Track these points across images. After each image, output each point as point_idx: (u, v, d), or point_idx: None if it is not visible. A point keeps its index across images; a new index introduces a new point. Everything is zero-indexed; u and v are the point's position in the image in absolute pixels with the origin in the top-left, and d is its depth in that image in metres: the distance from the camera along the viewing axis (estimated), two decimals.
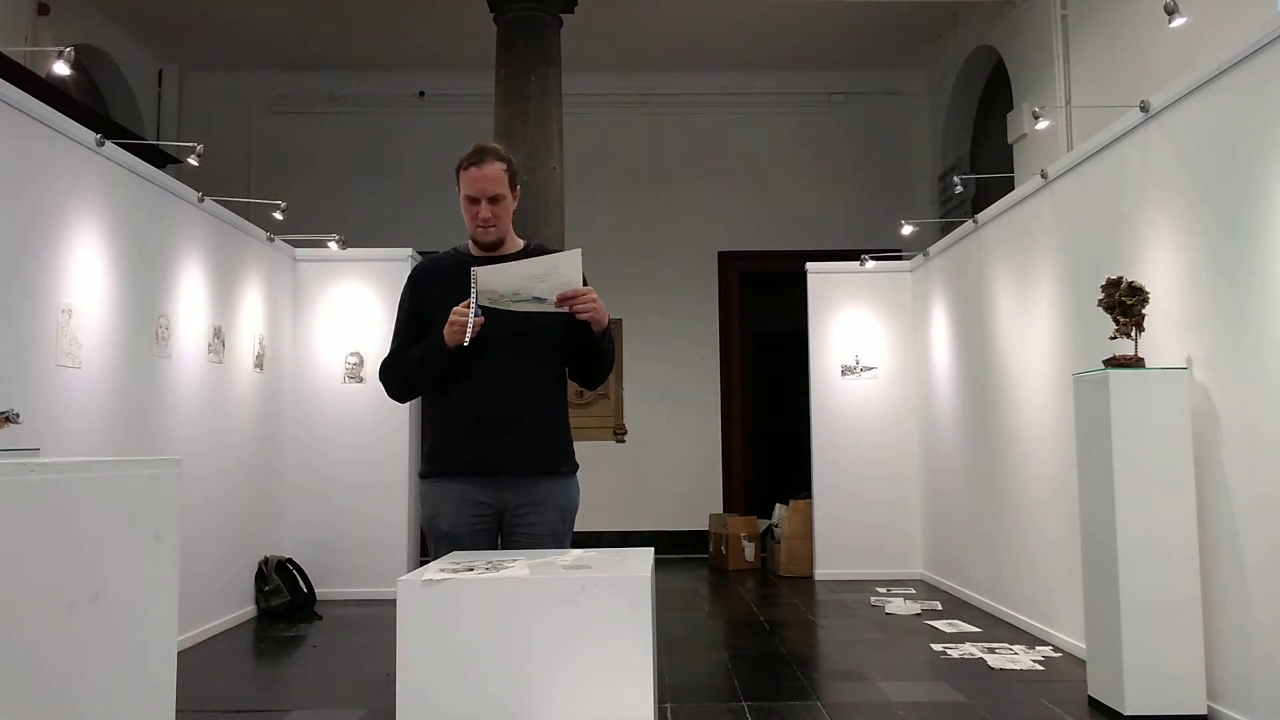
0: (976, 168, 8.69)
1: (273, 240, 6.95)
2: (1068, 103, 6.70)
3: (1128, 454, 4.04)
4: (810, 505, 8.00)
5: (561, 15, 7.03)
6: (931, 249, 7.63)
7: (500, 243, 2.85)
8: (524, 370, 2.76)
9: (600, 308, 2.66)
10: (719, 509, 9.26)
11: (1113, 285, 4.24)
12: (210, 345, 6.01)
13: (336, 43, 8.77)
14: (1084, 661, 4.47)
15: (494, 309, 2.64)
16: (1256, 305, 3.69)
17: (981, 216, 6.58)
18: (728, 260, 9.60)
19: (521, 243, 2.91)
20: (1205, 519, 4.00)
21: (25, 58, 6.41)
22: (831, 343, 8.08)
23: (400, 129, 9.43)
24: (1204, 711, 3.92)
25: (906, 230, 7.73)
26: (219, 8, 8.11)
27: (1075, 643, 5.00)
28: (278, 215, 6.89)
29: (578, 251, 2.66)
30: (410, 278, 2.98)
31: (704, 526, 9.07)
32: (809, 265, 8.18)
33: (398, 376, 2.85)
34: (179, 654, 2.06)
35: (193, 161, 5.76)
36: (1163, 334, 4.28)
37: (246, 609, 6.41)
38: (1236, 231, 3.82)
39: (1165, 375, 4.10)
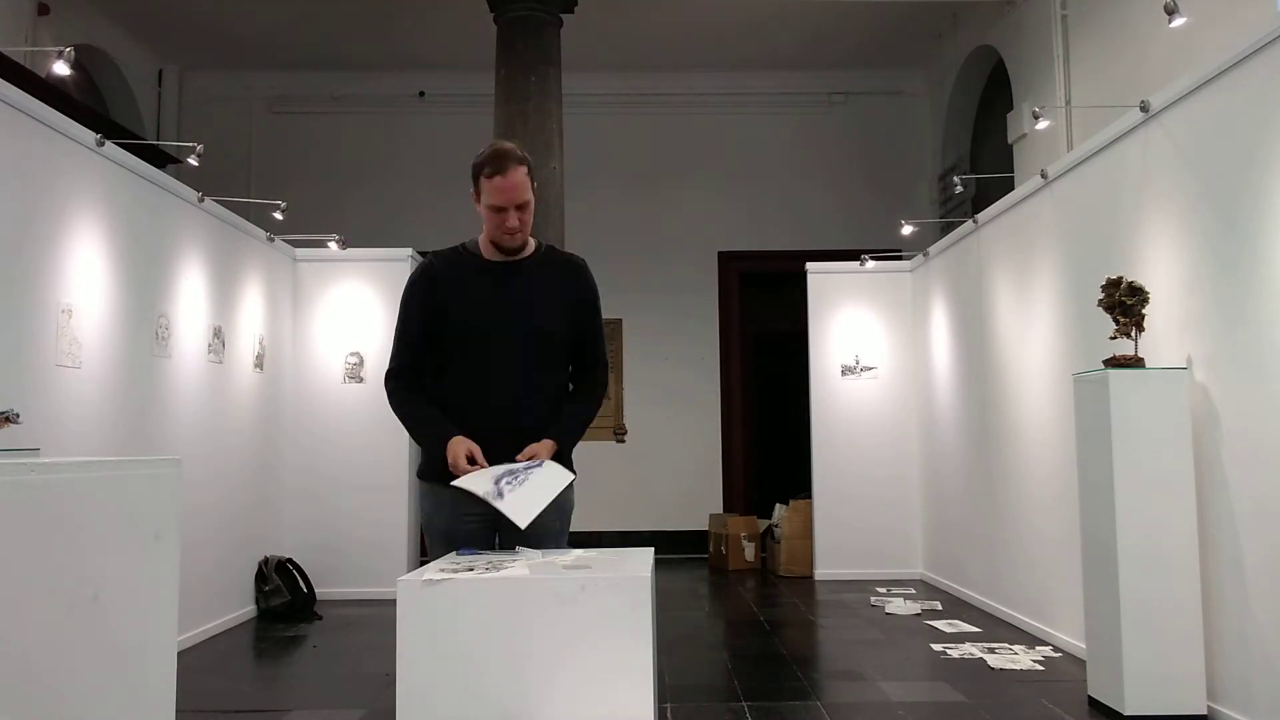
0: (976, 168, 8.69)
1: (273, 240, 6.95)
2: (1068, 103, 6.70)
3: (1128, 454, 4.04)
4: (810, 505, 8.00)
5: (561, 15, 7.03)
6: (931, 249, 7.63)
7: (523, 247, 2.82)
8: (524, 373, 2.76)
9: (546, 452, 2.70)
10: (719, 509, 9.26)
11: (1113, 285, 4.24)
12: (210, 345, 6.01)
13: (336, 43, 8.77)
14: (1084, 661, 4.47)
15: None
16: (1256, 305, 3.69)
17: (981, 216, 6.58)
18: (728, 260, 9.60)
19: (534, 243, 2.86)
20: (1205, 518, 4.00)
21: (25, 58, 6.41)
22: (831, 343, 8.08)
23: (400, 129, 9.43)
24: (1204, 711, 3.92)
25: (906, 230, 7.73)
26: (219, 8, 8.11)
27: (1075, 643, 5.00)
28: (278, 215, 6.89)
29: (566, 476, 2.66)
30: (418, 280, 2.85)
31: (704, 526, 9.07)
32: (809, 265, 8.18)
33: (403, 419, 2.84)
34: (179, 654, 2.06)
35: (193, 161, 5.76)
36: (1163, 334, 4.28)
37: (246, 609, 6.42)
38: (1236, 231, 3.82)
39: (1165, 375, 4.10)
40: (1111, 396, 4.07)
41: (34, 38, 7.04)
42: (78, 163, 4.66)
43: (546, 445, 2.69)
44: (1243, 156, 3.78)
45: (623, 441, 9.38)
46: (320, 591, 6.78)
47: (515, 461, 2.63)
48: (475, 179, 2.73)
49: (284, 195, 7.14)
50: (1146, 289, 4.19)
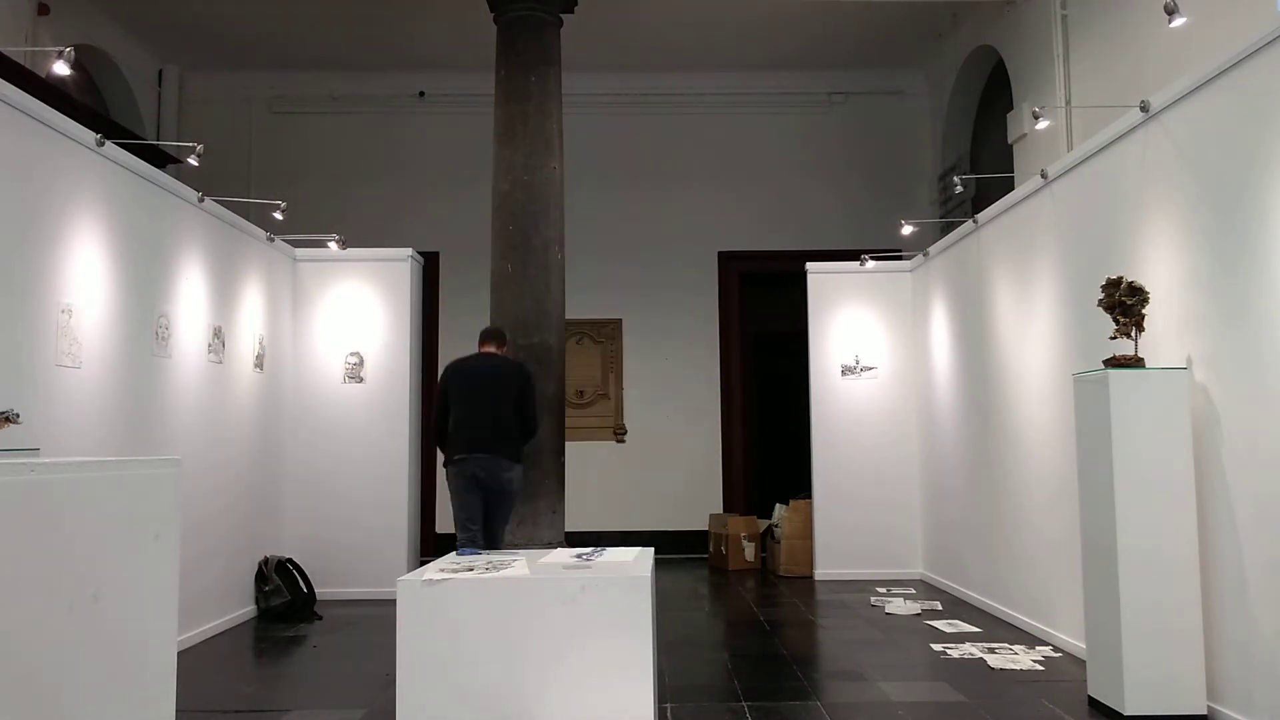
0: (976, 168, 8.70)
1: (273, 240, 6.95)
2: (1068, 103, 6.70)
3: (1128, 454, 4.04)
4: (810, 505, 8.00)
5: (561, 15, 7.03)
6: (931, 249, 7.63)
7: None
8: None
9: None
10: (719, 509, 9.26)
11: (1113, 285, 4.24)
12: (210, 345, 6.01)
13: (336, 43, 8.77)
14: (1084, 661, 4.47)
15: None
16: (1256, 305, 3.69)
17: (981, 216, 6.58)
18: (728, 260, 9.60)
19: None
20: (1205, 518, 4.00)
21: (25, 58, 6.42)
22: (831, 343, 8.08)
23: (400, 129, 9.44)
24: (1204, 711, 3.92)
25: (906, 230, 7.72)
26: (219, 8, 8.11)
27: (1075, 643, 5.00)
28: (278, 215, 6.89)
29: None
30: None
31: (704, 526, 9.07)
32: (809, 265, 8.19)
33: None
34: (179, 654, 2.06)
35: (193, 161, 5.76)
36: (1163, 334, 4.28)
37: (246, 609, 6.42)
38: (1236, 231, 3.82)
39: (1165, 375, 4.10)
40: (1111, 396, 4.07)
41: (34, 37, 7.04)
42: (78, 163, 4.66)
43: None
44: (1243, 156, 3.78)
45: (623, 441, 9.39)
46: (320, 591, 6.78)
47: None
48: None
49: (284, 195, 7.14)
50: (1146, 289, 4.19)
